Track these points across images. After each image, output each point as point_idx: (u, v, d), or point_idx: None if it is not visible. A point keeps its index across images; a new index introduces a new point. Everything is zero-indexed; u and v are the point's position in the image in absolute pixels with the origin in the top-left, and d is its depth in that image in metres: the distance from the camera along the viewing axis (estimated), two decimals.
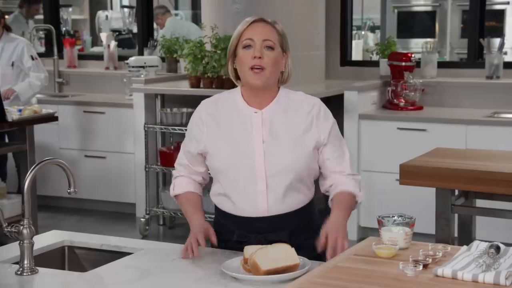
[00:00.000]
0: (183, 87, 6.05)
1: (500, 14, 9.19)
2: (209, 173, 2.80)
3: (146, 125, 6.05)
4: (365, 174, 5.76)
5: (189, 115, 2.85)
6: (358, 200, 2.73)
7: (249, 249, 2.42)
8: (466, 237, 4.27)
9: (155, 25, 8.09)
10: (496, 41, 6.28)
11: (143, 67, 6.62)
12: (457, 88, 6.09)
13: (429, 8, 9.94)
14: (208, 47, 5.84)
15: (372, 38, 9.13)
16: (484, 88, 6.00)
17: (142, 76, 6.50)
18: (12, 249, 2.65)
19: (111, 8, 11.12)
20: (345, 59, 6.63)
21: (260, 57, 2.60)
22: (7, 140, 6.00)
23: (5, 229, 2.48)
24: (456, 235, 4.24)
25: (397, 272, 2.25)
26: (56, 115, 5.91)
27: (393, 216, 2.54)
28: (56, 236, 2.88)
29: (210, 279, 2.37)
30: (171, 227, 6.29)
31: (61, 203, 6.81)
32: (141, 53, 7.30)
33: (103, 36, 7.67)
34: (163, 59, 6.94)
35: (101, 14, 10.33)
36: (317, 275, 2.25)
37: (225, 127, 2.68)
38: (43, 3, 8.01)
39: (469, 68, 6.23)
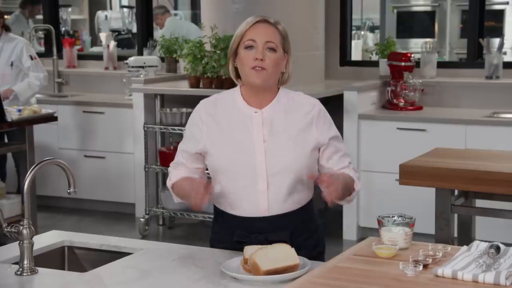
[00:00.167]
0: (183, 87, 6.05)
1: (500, 14, 9.19)
2: (207, 173, 2.79)
3: (145, 125, 6.05)
4: (365, 174, 5.76)
5: (189, 115, 2.84)
6: (356, 188, 2.72)
7: (249, 249, 2.42)
8: (465, 237, 4.27)
9: (154, 25, 8.08)
10: (496, 41, 6.28)
11: (142, 67, 6.62)
12: (456, 88, 6.09)
13: (428, 8, 9.94)
14: (207, 47, 5.84)
15: (371, 38, 9.13)
16: (483, 88, 6.00)
17: (141, 76, 6.50)
18: (12, 249, 2.65)
19: (111, 8, 11.12)
20: (345, 59, 6.63)
21: (261, 59, 2.60)
22: (6, 140, 6.00)
23: (5, 229, 2.48)
24: (456, 235, 4.24)
25: (397, 272, 2.25)
26: (55, 115, 5.91)
27: (393, 216, 2.54)
28: (56, 236, 2.88)
29: (210, 279, 2.37)
30: (171, 227, 6.29)
31: (60, 203, 6.81)
32: (140, 53, 7.30)
33: (103, 36, 7.67)
34: (162, 59, 6.94)
35: (100, 14, 10.33)
36: (317, 275, 2.25)
37: (225, 127, 2.68)
38: (42, 3, 8.01)
39: (469, 68, 6.23)
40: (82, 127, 6.74)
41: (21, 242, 2.47)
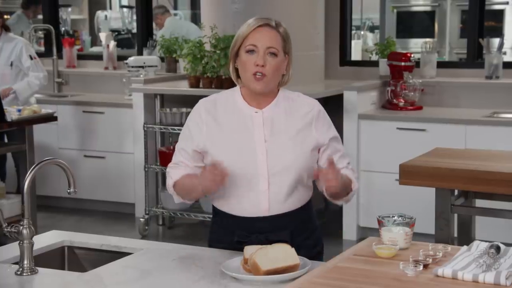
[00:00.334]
0: (183, 87, 6.05)
1: (500, 14, 9.19)
2: None
3: (145, 125, 6.05)
4: (365, 174, 5.76)
5: (189, 115, 2.83)
6: (353, 188, 2.73)
7: (249, 249, 2.42)
8: (465, 237, 4.27)
9: (154, 25, 8.08)
10: (496, 41, 6.28)
11: (142, 67, 6.62)
12: (456, 88, 6.09)
13: (428, 8, 9.94)
14: (207, 47, 5.84)
15: (371, 38, 9.13)
16: (483, 88, 6.00)
17: (141, 76, 6.50)
18: (12, 249, 2.65)
19: (110, 8, 11.12)
20: (345, 59, 6.63)
21: (262, 65, 2.61)
22: (6, 140, 6.00)
23: (5, 229, 2.48)
24: (455, 235, 4.24)
25: (397, 272, 2.25)
26: (55, 115, 5.91)
27: (393, 216, 2.54)
28: (56, 236, 2.88)
29: (210, 279, 2.37)
30: (171, 227, 6.28)
31: (60, 203, 6.81)
32: (140, 53, 7.30)
33: (102, 36, 7.66)
34: (162, 59, 6.94)
35: (100, 14, 10.33)
36: (317, 275, 2.25)
37: (226, 127, 2.68)
38: (42, 3, 8.01)
39: (469, 68, 6.23)
40: (82, 127, 6.74)
41: (21, 242, 2.47)
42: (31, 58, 6.27)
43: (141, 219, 6.07)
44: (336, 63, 6.60)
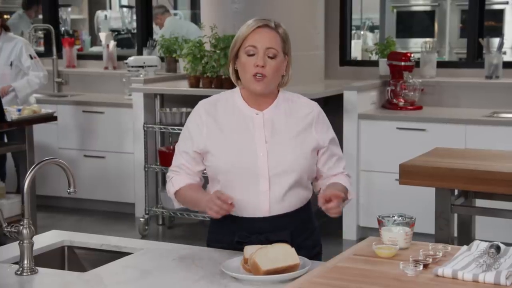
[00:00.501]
0: (183, 87, 6.05)
1: (499, 14, 9.19)
2: (204, 174, 2.79)
3: (145, 125, 6.05)
4: (365, 174, 5.76)
5: (188, 115, 2.83)
6: (349, 197, 2.75)
7: (249, 249, 2.42)
8: (465, 237, 4.27)
9: (154, 25, 8.08)
10: (495, 41, 6.27)
11: (142, 67, 6.62)
12: (456, 88, 6.09)
13: (428, 8, 9.94)
14: (207, 47, 5.84)
15: (371, 38, 9.13)
16: (483, 88, 6.00)
17: (141, 76, 6.50)
18: (12, 249, 2.65)
19: (110, 8, 11.11)
20: (345, 59, 6.63)
21: (262, 66, 2.61)
22: (6, 140, 6.00)
23: (5, 229, 2.48)
24: (455, 235, 4.24)
25: (397, 272, 2.25)
26: (55, 115, 5.91)
27: (393, 216, 2.54)
28: (56, 236, 2.88)
29: (210, 279, 2.37)
30: (171, 227, 6.29)
31: (60, 203, 6.81)
32: (140, 53, 7.29)
33: (102, 36, 7.66)
34: (162, 59, 6.94)
35: (100, 14, 10.33)
36: (317, 275, 2.25)
37: (226, 128, 2.68)
38: (42, 3, 8.01)
39: (469, 68, 6.23)
40: (81, 127, 6.74)
41: (21, 242, 2.47)
42: (31, 58, 6.27)
43: (141, 219, 6.07)
44: (336, 63, 6.60)
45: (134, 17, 8.36)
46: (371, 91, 6.00)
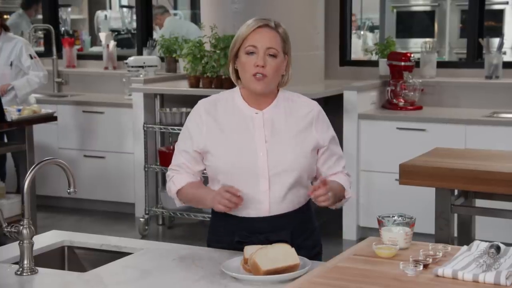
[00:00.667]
0: (182, 87, 6.05)
1: (499, 14, 9.19)
2: (204, 174, 2.79)
3: (145, 125, 6.05)
4: (365, 174, 5.76)
5: (188, 115, 2.83)
6: (346, 196, 2.75)
7: (249, 249, 2.42)
8: (465, 237, 4.27)
9: (153, 25, 8.08)
10: (495, 41, 6.27)
11: (142, 67, 6.62)
12: (456, 88, 6.09)
13: (428, 8, 9.94)
14: (207, 47, 5.84)
15: (371, 38, 9.13)
16: (483, 88, 6.00)
17: (141, 76, 6.50)
18: (12, 249, 2.65)
19: (110, 8, 11.11)
20: (345, 59, 6.63)
21: (262, 66, 2.61)
22: (6, 140, 6.00)
23: (5, 229, 2.48)
24: (456, 235, 4.24)
25: (397, 272, 2.25)
26: (55, 115, 5.91)
27: (393, 216, 2.54)
28: (56, 236, 2.88)
29: (210, 279, 2.37)
30: (171, 227, 6.28)
31: (60, 203, 6.81)
32: (140, 53, 7.29)
33: (102, 36, 7.66)
34: (162, 59, 6.94)
35: (100, 14, 10.32)
36: (317, 275, 2.25)
37: (226, 127, 2.68)
38: (42, 3, 8.01)
39: (468, 68, 6.23)
40: (81, 127, 6.74)
41: (21, 242, 2.47)
42: (31, 58, 6.26)
43: (141, 219, 6.07)
44: (336, 63, 6.60)
45: (134, 17, 8.36)
46: (371, 91, 6.00)
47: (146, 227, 6.05)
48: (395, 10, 9.81)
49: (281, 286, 2.27)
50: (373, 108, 6.01)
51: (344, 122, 5.73)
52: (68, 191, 2.58)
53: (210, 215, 2.86)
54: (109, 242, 2.80)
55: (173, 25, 8.35)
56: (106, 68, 7.42)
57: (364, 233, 5.69)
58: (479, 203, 4.29)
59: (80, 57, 7.79)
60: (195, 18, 9.69)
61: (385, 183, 5.63)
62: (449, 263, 2.26)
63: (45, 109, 5.78)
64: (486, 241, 2.45)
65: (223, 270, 2.38)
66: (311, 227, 2.79)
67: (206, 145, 2.69)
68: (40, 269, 2.48)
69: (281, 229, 2.67)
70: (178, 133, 5.92)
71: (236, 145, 2.66)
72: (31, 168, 2.48)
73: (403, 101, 5.98)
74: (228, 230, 2.70)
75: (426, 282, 2.18)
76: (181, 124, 5.74)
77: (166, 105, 6.16)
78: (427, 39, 6.89)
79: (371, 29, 9.77)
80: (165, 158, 5.92)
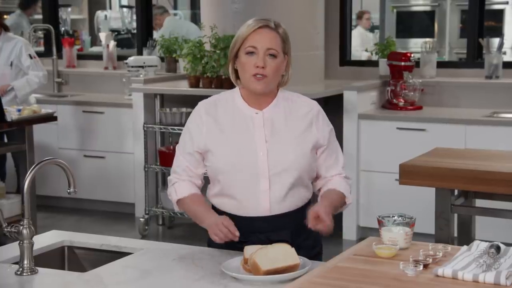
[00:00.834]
0: (182, 87, 6.05)
1: (499, 14, 9.19)
2: (205, 174, 2.79)
3: (145, 125, 6.05)
4: (365, 174, 5.76)
5: (188, 115, 2.83)
6: (347, 202, 2.77)
7: (249, 249, 2.42)
8: (465, 237, 4.27)
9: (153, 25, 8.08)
10: (495, 41, 6.27)
11: (142, 67, 6.62)
12: (456, 88, 6.09)
13: (428, 8, 9.94)
14: (207, 47, 5.84)
15: (371, 38, 9.14)
16: (483, 88, 6.00)
17: (141, 76, 6.50)
18: (12, 249, 2.65)
19: (110, 8, 11.12)
20: (344, 59, 6.63)
21: (263, 67, 2.61)
22: (6, 140, 6.00)
23: (5, 229, 2.48)
24: (455, 235, 4.24)
25: (398, 272, 2.25)
26: (55, 115, 5.90)
27: (393, 216, 2.54)
28: (56, 236, 2.88)
29: (210, 279, 2.37)
30: (170, 227, 6.29)
31: (60, 203, 6.81)
32: (140, 53, 7.29)
33: (102, 36, 7.66)
34: (162, 59, 6.94)
35: (100, 14, 10.33)
36: (317, 275, 2.25)
37: (226, 128, 2.69)
38: (42, 2, 8.01)
39: (468, 68, 6.23)
40: (81, 127, 6.74)
41: (21, 242, 2.47)
42: (31, 58, 6.26)
43: (141, 219, 6.07)
44: (336, 63, 6.60)
45: (134, 17, 8.36)
46: (371, 91, 6.00)
47: (146, 227, 6.05)
48: (395, 10, 9.82)
49: (281, 286, 2.27)
50: (373, 108, 6.01)
51: (344, 122, 5.73)
52: (68, 191, 2.58)
53: None
54: (109, 242, 2.80)
55: (172, 24, 8.35)
56: (106, 68, 7.42)
57: (364, 233, 5.69)
58: (479, 203, 4.29)
59: (80, 57, 7.79)
60: (195, 18, 9.69)
61: (385, 183, 5.63)
62: (449, 263, 2.26)
63: (45, 109, 5.78)
64: (486, 241, 2.45)
65: (223, 270, 2.38)
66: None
67: (206, 145, 2.69)
68: (40, 269, 2.48)
69: (282, 228, 2.68)
70: (178, 133, 5.95)
71: (236, 145, 2.66)
72: (31, 168, 2.48)
73: (403, 101, 5.98)
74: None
75: (426, 282, 2.18)
76: (181, 124, 5.75)
77: (166, 105, 6.15)
78: (427, 39, 6.89)
79: (371, 29, 9.77)
80: (165, 158, 5.92)
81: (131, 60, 6.68)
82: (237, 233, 2.56)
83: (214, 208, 2.78)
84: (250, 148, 2.65)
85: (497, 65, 5.98)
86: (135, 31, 8.34)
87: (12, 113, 5.38)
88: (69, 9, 10.03)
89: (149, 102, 6.17)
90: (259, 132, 2.67)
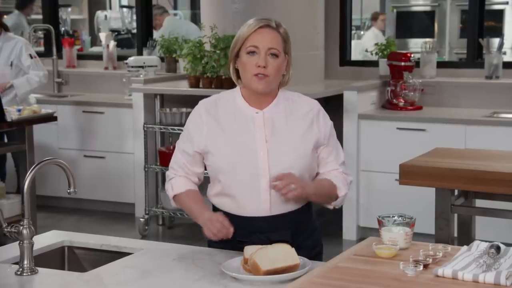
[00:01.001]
0: (182, 87, 6.05)
1: (499, 14, 9.19)
2: (205, 174, 2.79)
3: (145, 125, 6.05)
4: (365, 174, 5.76)
5: (188, 115, 2.83)
6: (339, 194, 2.74)
7: (249, 249, 2.42)
8: (465, 237, 4.27)
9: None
10: (495, 41, 6.27)
11: (142, 67, 6.62)
12: (456, 88, 6.09)
13: (428, 8, 9.94)
14: (207, 47, 5.84)
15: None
16: (483, 88, 6.00)
17: (141, 76, 6.50)
18: (12, 249, 2.65)
19: (110, 8, 11.12)
20: (345, 59, 6.62)
21: (264, 66, 2.61)
22: (6, 140, 6.00)
23: (5, 229, 2.48)
24: (456, 235, 4.24)
25: (398, 272, 2.25)
26: (55, 115, 5.90)
27: (393, 216, 2.54)
28: (56, 236, 2.88)
29: (210, 279, 2.37)
30: (170, 227, 6.29)
31: (60, 203, 6.81)
32: (140, 53, 7.29)
33: (102, 36, 7.66)
34: (162, 59, 6.94)
35: (100, 14, 10.33)
36: (317, 275, 2.25)
37: (227, 127, 2.69)
38: (42, 2, 8.01)
39: (469, 68, 6.23)
40: (82, 127, 6.74)
41: (21, 242, 2.47)
42: (31, 57, 6.25)
43: (141, 219, 6.07)
44: (336, 63, 6.60)
45: (134, 17, 8.36)
46: (371, 91, 6.00)
47: (146, 227, 6.05)
48: (395, 10, 9.82)
49: (281, 286, 2.27)
50: (373, 108, 6.01)
51: (344, 122, 5.73)
52: (68, 191, 2.58)
53: None
54: (109, 242, 2.80)
55: (172, 24, 8.34)
56: (106, 68, 7.42)
57: (364, 233, 5.69)
58: (479, 203, 4.29)
59: (80, 57, 7.79)
60: (195, 18, 9.69)
61: (385, 183, 5.63)
62: (449, 263, 2.26)
63: (45, 109, 5.78)
64: (486, 241, 2.45)
65: (223, 270, 2.38)
66: (312, 227, 2.80)
67: (206, 145, 2.69)
68: (40, 269, 2.48)
69: (282, 228, 2.67)
70: (178, 133, 5.94)
71: (236, 145, 2.66)
72: (31, 168, 2.48)
73: (403, 101, 5.98)
74: None
75: (426, 282, 2.18)
76: (181, 124, 5.75)
77: (166, 105, 6.15)
78: (427, 39, 6.89)
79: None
80: (165, 158, 5.91)
81: (131, 60, 6.68)
82: (231, 229, 2.56)
83: (214, 208, 2.78)
84: (251, 148, 2.65)
85: (497, 65, 5.99)
86: (135, 31, 8.34)
87: (12, 113, 5.38)
88: (69, 9, 10.03)
89: (149, 102, 6.17)
90: (260, 132, 2.67)
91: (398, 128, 5.68)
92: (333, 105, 5.55)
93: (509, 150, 4.62)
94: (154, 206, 6.16)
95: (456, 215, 4.12)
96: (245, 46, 2.65)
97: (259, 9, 5.70)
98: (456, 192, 4.06)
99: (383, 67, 6.23)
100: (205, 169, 2.78)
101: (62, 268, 2.78)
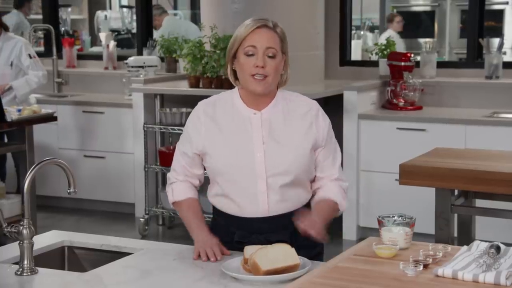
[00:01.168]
0: (182, 87, 6.05)
1: (499, 14, 9.19)
2: (205, 174, 2.80)
3: (145, 125, 6.05)
4: (365, 174, 5.76)
5: (188, 115, 2.83)
6: (340, 209, 2.77)
7: (249, 249, 2.42)
8: (465, 237, 4.27)
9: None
10: (495, 41, 6.28)
11: (142, 67, 6.62)
12: (456, 88, 6.09)
13: (428, 8, 9.94)
14: (207, 47, 5.84)
15: (371, 38, 9.13)
16: (483, 88, 6.00)
17: (141, 76, 6.50)
18: (12, 249, 2.65)
19: (110, 8, 11.12)
20: (345, 59, 6.62)
21: (262, 67, 2.61)
22: (6, 140, 6.00)
23: (5, 229, 2.48)
24: (456, 235, 4.24)
25: (398, 272, 2.25)
26: (55, 115, 5.90)
27: (393, 216, 2.54)
28: (56, 236, 2.88)
29: (210, 279, 2.37)
30: (170, 227, 6.28)
31: (60, 203, 6.81)
32: (140, 53, 7.29)
33: (102, 36, 7.66)
34: (162, 59, 6.93)
35: (100, 14, 10.33)
36: (317, 275, 2.25)
37: (224, 128, 2.68)
38: (42, 3, 8.01)
39: (468, 68, 6.23)
40: (82, 127, 6.74)
41: (21, 242, 2.47)
42: (30, 57, 6.25)
43: (141, 219, 6.07)
44: (336, 63, 6.60)
45: (134, 17, 8.36)
46: (371, 91, 6.00)
47: (146, 227, 6.05)
48: (395, 10, 9.81)
49: (281, 286, 2.27)
50: (373, 108, 6.01)
51: (344, 122, 5.73)
52: (68, 191, 2.58)
53: (210, 216, 2.86)
54: (109, 242, 2.80)
55: (172, 24, 8.34)
56: (106, 68, 7.42)
57: (364, 233, 5.69)
58: (479, 203, 4.29)
59: (80, 57, 7.79)
60: (195, 18, 9.69)
61: (385, 183, 5.63)
62: (449, 263, 2.26)
63: (45, 109, 5.77)
64: (486, 241, 2.45)
65: (223, 270, 2.38)
66: None
67: (204, 146, 2.69)
68: (40, 269, 2.48)
69: (281, 229, 2.67)
70: (178, 133, 5.94)
71: (233, 146, 2.66)
72: (31, 168, 2.48)
73: (403, 101, 5.98)
74: (228, 230, 2.70)
75: (426, 282, 2.18)
76: (181, 124, 5.75)
77: (166, 105, 6.15)
78: (427, 39, 6.89)
79: (371, 29, 9.77)
80: (165, 158, 5.92)
81: (131, 60, 6.68)
82: (219, 258, 2.55)
83: (213, 208, 2.78)
84: (248, 149, 2.64)
85: (497, 65, 5.98)
86: (135, 31, 8.33)
87: (12, 113, 5.38)
88: (69, 9, 10.03)
89: (149, 102, 6.17)
90: (257, 133, 2.66)
91: (398, 128, 5.68)
92: (333, 105, 5.55)
93: (509, 150, 4.62)
94: (154, 206, 6.16)
95: (456, 215, 4.12)
96: (243, 47, 2.64)
97: (259, 9, 5.70)
98: (456, 192, 4.06)
99: (383, 67, 6.23)
100: (205, 170, 2.78)
101: (62, 268, 2.78)
